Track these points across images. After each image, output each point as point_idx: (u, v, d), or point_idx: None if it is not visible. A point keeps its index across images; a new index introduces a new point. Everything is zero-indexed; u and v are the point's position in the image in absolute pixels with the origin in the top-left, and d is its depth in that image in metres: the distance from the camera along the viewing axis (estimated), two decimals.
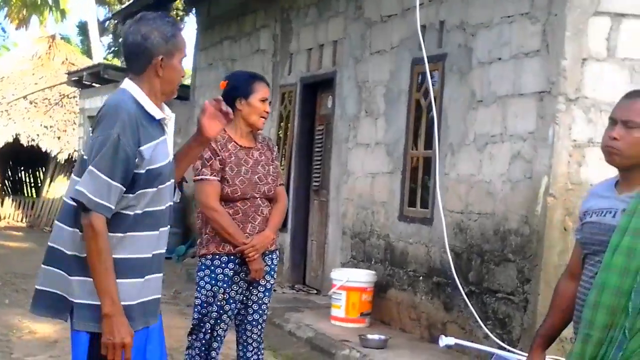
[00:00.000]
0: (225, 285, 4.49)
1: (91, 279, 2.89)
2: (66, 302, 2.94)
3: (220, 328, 4.53)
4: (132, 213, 2.95)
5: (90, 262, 2.86)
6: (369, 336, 6.88)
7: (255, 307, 4.60)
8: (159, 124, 3.03)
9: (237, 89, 4.55)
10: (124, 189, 2.90)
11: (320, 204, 9.70)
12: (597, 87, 5.78)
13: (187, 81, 14.85)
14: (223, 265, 4.49)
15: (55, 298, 2.96)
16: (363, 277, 7.71)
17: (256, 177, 4.55)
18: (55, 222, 3.02)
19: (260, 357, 4.69)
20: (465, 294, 6.39)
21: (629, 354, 2.75)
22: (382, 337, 6.86)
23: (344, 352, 6.74)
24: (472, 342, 6.20)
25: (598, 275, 2.84)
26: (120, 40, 3.11)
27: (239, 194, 4.49)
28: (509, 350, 5.88)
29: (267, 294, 4.62)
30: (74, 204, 2.91)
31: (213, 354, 4.55)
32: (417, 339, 7.19)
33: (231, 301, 4.51)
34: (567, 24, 5.74)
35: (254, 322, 4.61)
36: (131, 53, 3.01)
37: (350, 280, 7.61)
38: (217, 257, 4.49)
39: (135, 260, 2.97)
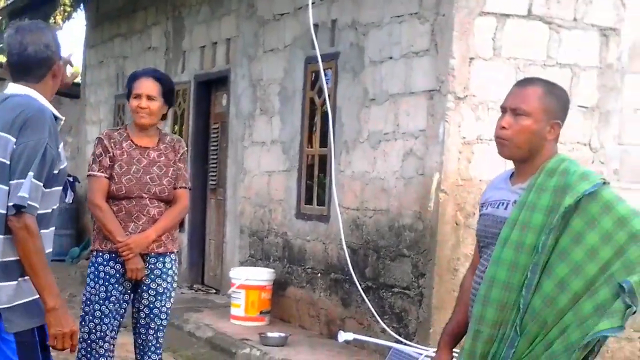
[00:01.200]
0: (107, 283, 4.45)
1: (16, 282, 3.00)
2: None
3: (105, 326, 4.46)
4: (42, 212, 3.04)
5: (29, 262, 2.96)
6: (269, 334, 6.93)
7: (146, 311, 4.51)
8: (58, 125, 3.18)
9: (127, 91, 4.63)
10: (43, 189, 3.03)
11: (217, 202, 9.69)
12: (484, 86, 5.96)
13: (77, 79, 14.54)
14: (104, 262, 4.46)
15: None
16: (262, 275, 7.75)
17: (148, 177, 4.50)
18: None
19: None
20: (362, 289, 6.50)
21: (520, 354, 2.70)
22: (282, 334, 6.92)
23: (244, 351, 6.77)
24: (370, 336, 6.33)
25: (488, 269, 2.76)
26: (12, 50, 3.16)
27: (123, 192, 4.47)
28: (405, 344, 6.03)
29: (159, 298, 4.50)
30: (2, 211, 2.97)
31: (101, 351, 4.48)
32: (317, 336, 7.28)
33: (114, 300, 4.46)
34: (455, 24, 5.89)
35: (147, 326, 4.53)
36: (33, 62, 3.12)
37: (249, 279, 7.64)
38: (100, 254, 4.48)
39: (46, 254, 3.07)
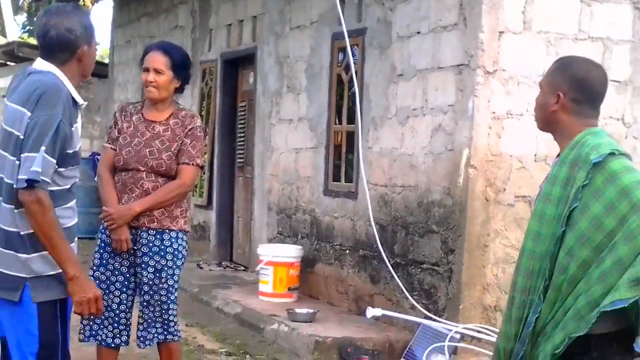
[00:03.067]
0: (101, 251, 4.49)
1: (43, 253, 3.05)
2: (18, 280, 3.06)
3: (112, 302, 4.50)
4: (58, 189, 3.10)
5: (45, 234, 3.00)
6: (297, 310, 6.94)
7: (146, 288, 4.50)
8: (77, 110, 3.20)
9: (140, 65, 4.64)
10: (56, 166, 3.06)
11: (245, 180, 9.69)
12: (514, 60, 5.90)
13: (105, 59, 14.58)
14: (102, 230, 4.51)
15: (8, 278, 3.07)
16: (290, 252, 7.75)
17: (147, 150, 4.48)
18: (1, 202, 3.10)
19: (169, 337, 4.58)
20: (391, 265, 6.48)
21: (544, 320, 2.79)
22: (310, 310, 6.92)
23: (272, 327, 6.78)
24: (398, 313, 6.32)
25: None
26: (39, 32, 3.22)
27: (121, 163, 4.51)
28: (434, 320, 6.01)
29: (157, 275, 4.46)
30: (11, 182, 3.02)
31: (115, 330, 4.52)
32: (345, 312, 7.28)
33: (117, 273, 4.49)
34: None
35: (147, 303, 4.51)
36: (55, 45, 3.16)
37: (277, 256, 7.64)
38: (101, 222, 4.51)
39: (69, 228, 3.14)
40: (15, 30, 27.37)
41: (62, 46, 3.13)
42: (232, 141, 9.93)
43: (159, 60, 4.52)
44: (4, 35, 24.06)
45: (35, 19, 29.25)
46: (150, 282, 4.50)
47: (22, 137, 3.01)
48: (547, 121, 2.92)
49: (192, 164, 4.53)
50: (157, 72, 4.50)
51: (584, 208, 2.73)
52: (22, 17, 31.90)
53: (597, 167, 2.72)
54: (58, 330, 3.12)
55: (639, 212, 2.63)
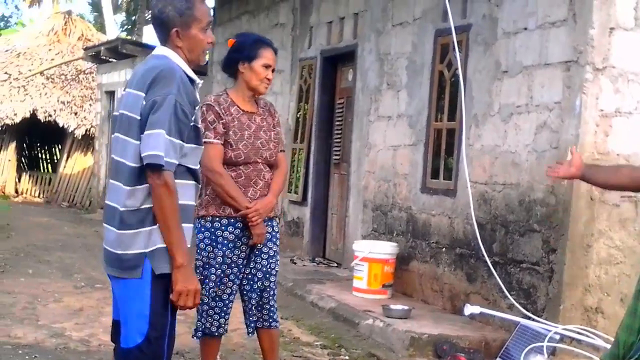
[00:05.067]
0: (224, 248, 4.49)
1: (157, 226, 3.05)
2: (138, 258, 3.07)
3: (223, 293, 4.52)
4: (185, 165, 3.12)
5: (164, 218, 3.02)
6: (392, 306, 6.91)
7: (259, 274, 4.58)
8: (195, 89, 3.22)
9: (241, 51, 4.53)
10: (183, 144, 3.08)
11: (340, 177, 9.71)
12: (625, 57, 5.75)
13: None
14: (223, 228, 4.50)
15: (127, 259, 3.09)
16: (385, 248, 7.73)
17: (259, 142, 4.55)
18: (116, 183, 3.12)
19: (273, 324, 4.66)
20: (490, 264, 6.39)
21: None
22: (406, 307, 6.88)
23: (367, 322, 6.77)
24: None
25: None
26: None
27: (242, 158, 4.50)
28: (534, 320, 5.90)
29: (271, 260, 4.60)
30: (133, 164, 3.05)
31: (217, 317, 4.54)
32: (440, 310, 7.21)
33: (233, 265, 4.51)
34: None
35: (262, 288, 4.59)
36: (155, 25, 3.24)
37: (373, 252, 7.62)
38: (217, 219, 4.50)
39: (185, 206, 3.14)
40: (114, 29, 28.08)
41: (160, 25, 3.19)
42: (329, 138, 9.96)
43: (275, 59, 4.60)
44: (105, 34, 24.69)
45: (133, 17, 30.01)
46: (264, 269, 4.58)
47: (139, 118, 3.05)
48: None
49: (284, 152, 4.77)
50: (273, 70, 4.59)
51: None
52: (121, 17, 32.74)
53: None
54: (168, 312, 3.12)
55: None
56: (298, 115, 10.60)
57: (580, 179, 3.50)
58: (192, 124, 3.11)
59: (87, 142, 18.62)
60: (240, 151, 4.50)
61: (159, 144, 2.98)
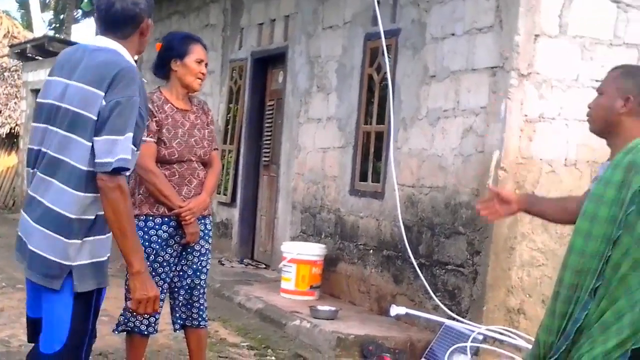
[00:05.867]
0: (158, 247, 4.46)
1: (92, 238, 2.96)
2: (62, 267, 2.96)
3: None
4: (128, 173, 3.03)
5: (119, 223, 2.90)
6: (319, 307, 6.94)
7: (190, 272, 4.58)
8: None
9: (172, 49, 4.51)
10: (135, 149, 3.02)
11: (269, 179, 9.72)
12: (549, 63, 5.89)
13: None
14: (156, 227, 4.46)
15: (52, 265, 2.97)
16: (313, 250, 7.76)
17: (193, 140, 4.54)
18: (56, 183, 2.97)
19: (202, 323, 4.65)
20: (416, 266, 6.47)
21: (591, 316, 2.81)
22: (333, 308, 6.92)
23: (294, 323, 6.79)
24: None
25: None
26: (101, 6, 3.15)
27: (176, 156, 4.48)
28: (458, 321, 5.99)
29: (202, 258, 4.61)
30: (83, 167, 2.93)
31: (151, 318, 4.50)
32: (367, 311, 7.27)
33: (165, 264, 4.49)
34: (521, 0, 5.82)
35: (192, 285, 4.58)
36: (120, 18, 3.07)
37: (301, 253, 7.65)
38: (151, 218, 4.46)
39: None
40: (42, 27, 27.60)
41: (127, 20, 3.05)
42: (259, 140, 9.96)
43: (206, 54, 4.60)
44: (32, 32, 24.25)
45: (62, 16, 29.53)
46: (194, 266, 4.58)
47: (95, 118, 2.91)
48: (607, 124, 3.03)
49: (218, 150, 4.77)
50: (206, 65, 4.58)
51: None
52: (49, 15, 32.18)
53: None
54: (90, 321, 3.05)
55: None
56: (228, 117, 10.57)
57: (524, 212, 3.55)
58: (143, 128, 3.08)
59: (11, 141, 18.23)
60: (174, 149, 4.48)
61: (124, 148, 2.89)
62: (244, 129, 10.13)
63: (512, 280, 5.91)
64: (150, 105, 4.40)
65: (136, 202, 4.47)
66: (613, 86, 3.03)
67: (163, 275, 4.51)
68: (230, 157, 10.31)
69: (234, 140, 10.25)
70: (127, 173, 2.94)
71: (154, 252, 4.46)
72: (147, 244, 4.44)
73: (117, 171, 2.88)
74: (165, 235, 4.47)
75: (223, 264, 9.51)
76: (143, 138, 4.35)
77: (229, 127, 10.51)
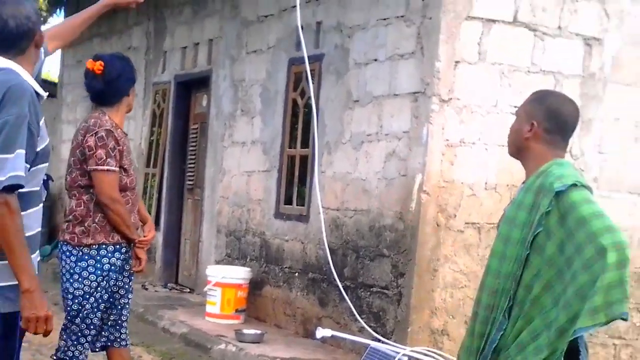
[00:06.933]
0: (111, 273, 4.44)
1: (4, 262, 2.88)
2: None
3: (95, 317, 4.46)
4: (26, 190, 2.96)
5: (7, 240, 2.85)
6: (245, 331, 6.94)
7: (122, 292, 4.56)
8: (40, 103, 3.10)
9: (129, 79, 4.50)
10: (28, 167, 2.94)
11: (194, 202, 9.68)
12: (469, 89, 6.04)
13: (55, 78, 14.46)
14: (109, 255, 4.43)
15: None
16: (238, 273, 7.76)
17: (133, 165, 4.59)
18: None
19: (128, 342, 4.64)
20: (342, 288, 6.53)
21: (507, 337, 2.89)
22: (258, 331, 6.93)
23: (219, 347, 6.76)
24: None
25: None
26: None
27: (134, 183, 4.49)
28: (383, 342, 6.06)
29: (132, 278, 4.60)
30: None
31: (85, 341, 4.46)
32: (292, 334, 7.30)
33: (110, 290, 4.47)
34: (441, 28, 5.97)
35: (122, 305, 4.57)
36: (15, 36, 3.04)
37: (226, 277, 7.64)
38: (104, 247, 4.42)
39: (28, 237, 2.96)
40: None
41: (22, 35, 3.04)
42: (183, 163, 9.93)
43: None
44: None
45: None
46: (127, 286, 4.55)
47: None
48: (518, 147, 3.07)
49: None
50: None
51: (549, 234, 2.87)
52: None
53: (559, 196, 2.86)
54: (14, 344, 2.98)
55: (593, 241, 2.75)
56: (151, 140, 10.51)
57: None
58: (39, 147, 3.00)
59: None
60: (133, 177, 4.48)
61: (15, 165, 2.85)
62: (167, 152, 10.09)
63: (436, 301, 6.02)
64: (115, 133, 4.37)
65: (89, 231, 4.40)
66: (523, 111, 3.09)
67: (105, 302, 4.47)
68: (154, 180, 10.24)
69: (157, 164, 10.19)
70: (21, 190, 2.89)
71: (107, 280, 4.42)
72: (99, 272, 4.39)
73: (11, 189, 2.84)
74: (119, 262, 4.44)
75: (147, 289, 9.42)
76: (112, 168, 4.34)
77: (152, 150, 10.45)
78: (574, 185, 2.87)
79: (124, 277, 4.52)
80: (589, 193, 2.91)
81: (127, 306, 4.61)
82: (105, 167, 4.35)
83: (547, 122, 3.01)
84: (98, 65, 4.48)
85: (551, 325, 2.80)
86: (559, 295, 2.80)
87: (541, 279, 2.85)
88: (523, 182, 3.07)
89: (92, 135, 4.37)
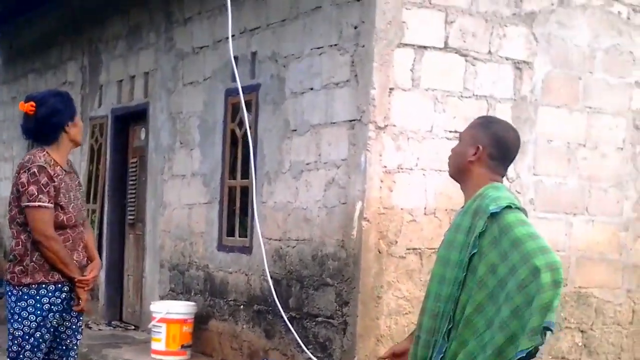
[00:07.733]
0: (51, 314, 4.35)
1: None
2: None
3: (36, 358, 4.37)
4: None
5: None
6: None
7: (69, 332, 4.49)
8: None
9: (62, 114, 4.44)
10: None
11: (136, 237, 9.57)
12: (404, 115, 6.08)
13: None
14: (50, 294, 4.35)
15: None
16: (183, 308, 7.68)
17: (78, 202, 4.51)
18: None
19: None
20: (287, 319, 6.50)
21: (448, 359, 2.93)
22: None
23: None
24: None
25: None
26: None
27: (73, 221, 4.42)
28: None
29: (80, 318, 4.52)
30: None
31: None
32: None
33: (52, 330, 4.39)
34: (374, 55, 6.00)
35: (70, 346, 4.49)
36: None
37: (170, 312, 7.55)
38: (44, 286, 4.34)
39: None
40: None
41: None
42: (123, 198, 9.81)
43: None
44: None
45: None
46: (74, 327, 4.49)
47: None
48: (460, 170, 3.12)
49: None
50: None
51: (481, 255, 2.92)
52: None
53: (494, 218, 2.91)
54: None
55: (527, 262, 2.78)
56: (90, 175, 10.38)
57: None
58: None
59: None
60: (72, 214, 4.41)
61: None
62: (107, 187, 9.97)
63: (381, 329, 6.02)
64: (49, 170, 4.32)
65: (28, 270, 4.33)
66: (468, 134, 3.14)
67: (47, 342, 4.38)
68: (94, 216, 10.10)
69: (97, 199, 10.06)
70: None
71: (49, 320, 4.33)
72: (38, 312, 4.31)
73: None
74: (58, 301, 4.36)
75: (90, 327, 9.26)
76: (45, 204, 4.28)
77: (92, 186, 10.32)
78: (509, 207, 2.92)
79: (71, 316, 4.44)
80: (523, 215, 2.96)
81: (75, 347, 4.53)
82: (37, 204, 4.29)
83: (492, 148, 3.07)
84: (28, 107, 4.44)
85: (486, 347, 2.82)
86: (492, 317, 2.84)
87: (472, 299, 2.90)
88: (462, 207, 3.12)
89: (25, 171, 4.34)
